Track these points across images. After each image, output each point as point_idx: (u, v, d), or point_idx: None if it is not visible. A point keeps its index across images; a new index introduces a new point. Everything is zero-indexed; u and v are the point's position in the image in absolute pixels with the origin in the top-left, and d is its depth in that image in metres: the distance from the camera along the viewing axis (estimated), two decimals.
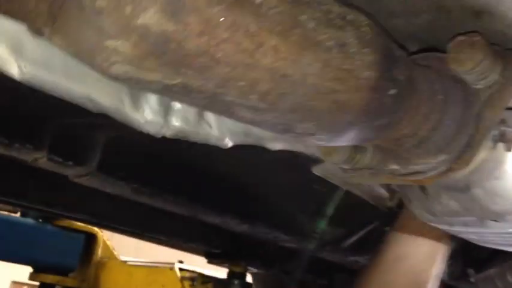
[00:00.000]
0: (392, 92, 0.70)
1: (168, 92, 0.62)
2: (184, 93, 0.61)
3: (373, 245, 2.23)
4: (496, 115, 0.76)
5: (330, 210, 1.51)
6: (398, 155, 0.80)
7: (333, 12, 0.66)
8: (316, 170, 0.95)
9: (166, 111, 0.72)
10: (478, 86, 0.76)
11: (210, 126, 0.76)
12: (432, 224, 1.07)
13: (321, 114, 0.67)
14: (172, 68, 0.56)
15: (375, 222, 2.00)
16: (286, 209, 1.90)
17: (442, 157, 0.78)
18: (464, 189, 0.85)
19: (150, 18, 0.52)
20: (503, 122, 0.79)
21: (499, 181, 0.83)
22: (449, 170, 0.78)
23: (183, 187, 1.57)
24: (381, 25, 0.71)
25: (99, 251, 4.22)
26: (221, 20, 0.56)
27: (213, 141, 0.78)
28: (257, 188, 1.76)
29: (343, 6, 0.67)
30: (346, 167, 0.86)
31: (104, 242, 4.27)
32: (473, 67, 0.73)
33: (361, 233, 2.07)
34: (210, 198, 1.65)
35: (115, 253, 4.28)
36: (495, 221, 0.90)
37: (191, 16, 0.54)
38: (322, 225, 1.55)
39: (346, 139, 0.72)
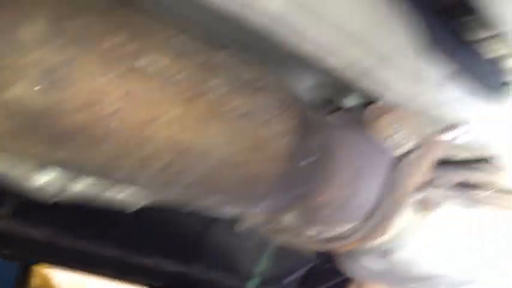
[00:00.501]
0: (308, 160, 0.67)
1: (54, 165, 0.56)
2: (70, 168, 0.55)
3: (314, 282, 2.22)
4: (415, 182, 0.74)
5: (263, 265, 1.46)
6: (317, 221, 0.77)
7: (245, 77, 0.62)
8: (239, 228, 0.90)
9: (66, 175, 0.64)
10: (397, 152, 0.74)
11: (118, 190, 0.69)
12: (361, 278, 1.04)
13: (229, 187, 0.62)
14: (50, 144, 0.50)
15: (315, 260, 1.97)
16: (225, 248, 1.84)
17: (359, 225, 0.75)
18: (384, 254, 0.82)
19: (21, 91, 0.45)
20: (424, 186, 0.78)
21: (420, 247, 0.82)
22: (367, 238, 0.76)
23: (108, 229, 1.48)
24: (297, 90, 0.68)
25: (36, 282, 3.95)
26: (111, 89, 0.50)
27: (120, 205, 0.71)
28: (192, 227, 1.69)
29: (256, 70, 0.63)
30: (267, 227, 0.82)
31: (41, 272, 4.01)
32: (390, 134, 0.71)
33: (302, 271, 2.04)
34: (139, 239, 1.56)
35: (54, 283, 4.03)
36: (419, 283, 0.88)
37: (72, 87, 0.48)
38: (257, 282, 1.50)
39: (260, 209, 0.68)
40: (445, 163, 0.78)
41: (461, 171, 0.77)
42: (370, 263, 0.87)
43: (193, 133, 0.57)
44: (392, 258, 0.82)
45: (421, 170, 0.74)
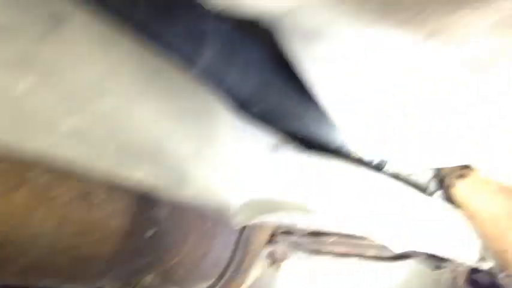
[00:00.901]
0: (150, 233, 0.68)
1: None
2: None
3: None
4: (263, 238, 0.79)
5: None
6: (174, 281, 0.78)
7: None
8: None
9: None
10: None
11: None
12: None
13: (63, 269, 0.61)
14: None
15: None
16: None
17: (214, 282, 0.78)
18: None
19: None
20: (273, 241, 0.82)
21: None
22: None
23: None
24: None
25: None
26: None
27: None
28: None
29: None
30: None
31: None
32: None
33: None
34: None
35: None
36: None
37: None
38: None
39: (106, 282, 0.68)
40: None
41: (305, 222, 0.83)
42: None
43: (16, 223, 0.55)
44: None
45: (268, 227, 0.79)
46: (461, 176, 1.03)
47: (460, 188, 1.03)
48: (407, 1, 0.43)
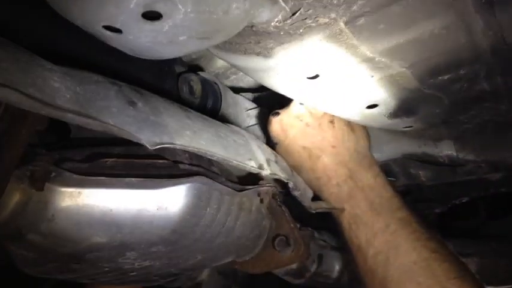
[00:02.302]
0: None
1: None
2: None
3: None
4: (15, 155, 0.71)
5: None
6: None
7: None
8: None
9: None
10: None
11: None
12: None
13: None
14: None
15: None
16: None
17: None
18: (18, 235, 0.77)
19: None
20: (32, 159, 0.74)
21: (54, 223, 0.78)
22: None
23: None
24: None
25: None
26: None
27: None
28: None
29: None
30: None
31: None
32: None
33: None
34: None
35: None
36: None
37: None
38: None
39: None
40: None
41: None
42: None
43: None
44: (31, 238, 0.77)
45: (20, 141, 0.70)
46: (276, 114, 1.12)
47: (275, 124, 1.11)
48: None
